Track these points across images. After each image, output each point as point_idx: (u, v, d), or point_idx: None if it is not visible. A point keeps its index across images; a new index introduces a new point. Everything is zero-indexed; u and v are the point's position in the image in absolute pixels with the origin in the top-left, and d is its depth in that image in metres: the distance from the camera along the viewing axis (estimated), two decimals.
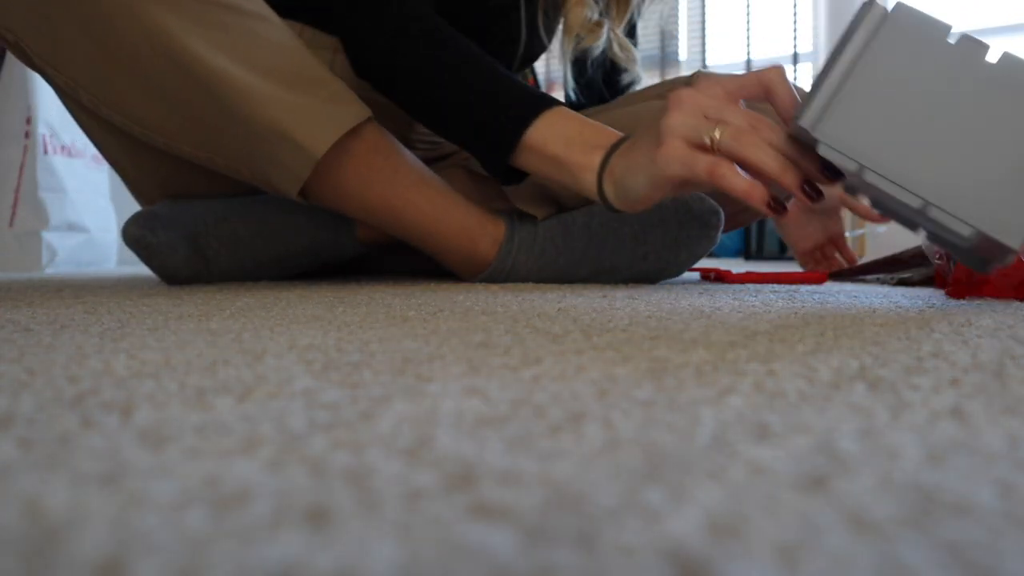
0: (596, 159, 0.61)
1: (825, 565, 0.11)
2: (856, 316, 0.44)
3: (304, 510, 0.13)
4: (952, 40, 0.47)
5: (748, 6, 3.41)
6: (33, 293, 0.71)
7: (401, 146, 0.76)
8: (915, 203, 0.46)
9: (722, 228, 0.81)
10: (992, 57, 0.47)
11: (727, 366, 0.27)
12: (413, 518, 0.13)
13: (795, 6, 3.26)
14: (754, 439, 0.18)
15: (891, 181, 0.47)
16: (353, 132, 0.69)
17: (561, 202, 0.81)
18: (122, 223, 0.82)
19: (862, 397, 0.22)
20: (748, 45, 3.34)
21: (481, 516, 0.13)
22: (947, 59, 0.47)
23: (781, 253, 3.08)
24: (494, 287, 0.73)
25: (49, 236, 1.72)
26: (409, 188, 0.74)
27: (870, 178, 0.47)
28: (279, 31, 0.69)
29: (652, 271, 0.81)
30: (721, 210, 0.81)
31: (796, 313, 0.46)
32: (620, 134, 0.62)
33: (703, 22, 3.58)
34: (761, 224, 3.05)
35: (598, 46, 0.91)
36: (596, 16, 0.89)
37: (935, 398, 0.22)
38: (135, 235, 0.79)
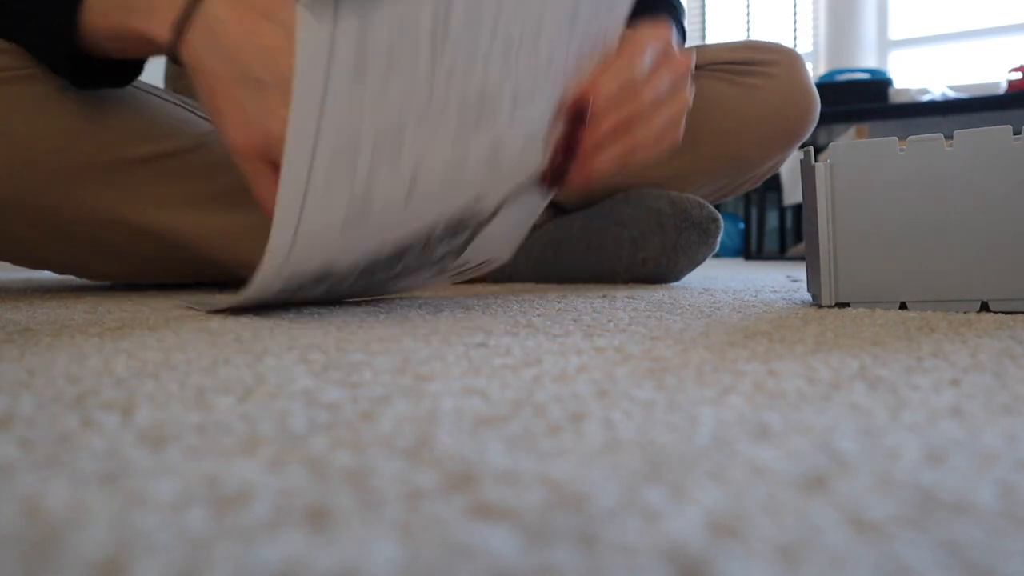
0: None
1: (825, 565, 0.11)
2: (856, 316, 0.44)
3: (304, 510, 0.13)
4: (903, 149, 0.47)
5: (748, 6, 3.41)
6: (33, 293, 0.71)
7: None
8: (974, 308, 0.46)
9: (721, 234, 0.81)
10: (948, 142, 0.47)
11: (727, 366, 0.27)
12: (413, 518, 0.13)
13: (795, 6, 3.26)
14: (754, 439, 0.18)
15: (940, 300, 0.47)
16: None
17: (560, 206, 0.81)
18: None
19: (862, 397, 0.22)
20: None
21: (481, 516, 0.13)
22: (911, 166, 0.47)
23: (781, 253, 3.07)
24: (494, 287, 0.73)
25: None
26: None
27: (916, 306, 0.47)
28: (203, 154, 0.68)
29: (651, 277, 0.81)
30: (720, 217, 0.80)
31: (796, 313, 0.46)
32: None
33: (703, 21, 3.58)
34: (761, 224, 3.05)
35: None
36: None
37: (935, 398, 0.22)
38: None
